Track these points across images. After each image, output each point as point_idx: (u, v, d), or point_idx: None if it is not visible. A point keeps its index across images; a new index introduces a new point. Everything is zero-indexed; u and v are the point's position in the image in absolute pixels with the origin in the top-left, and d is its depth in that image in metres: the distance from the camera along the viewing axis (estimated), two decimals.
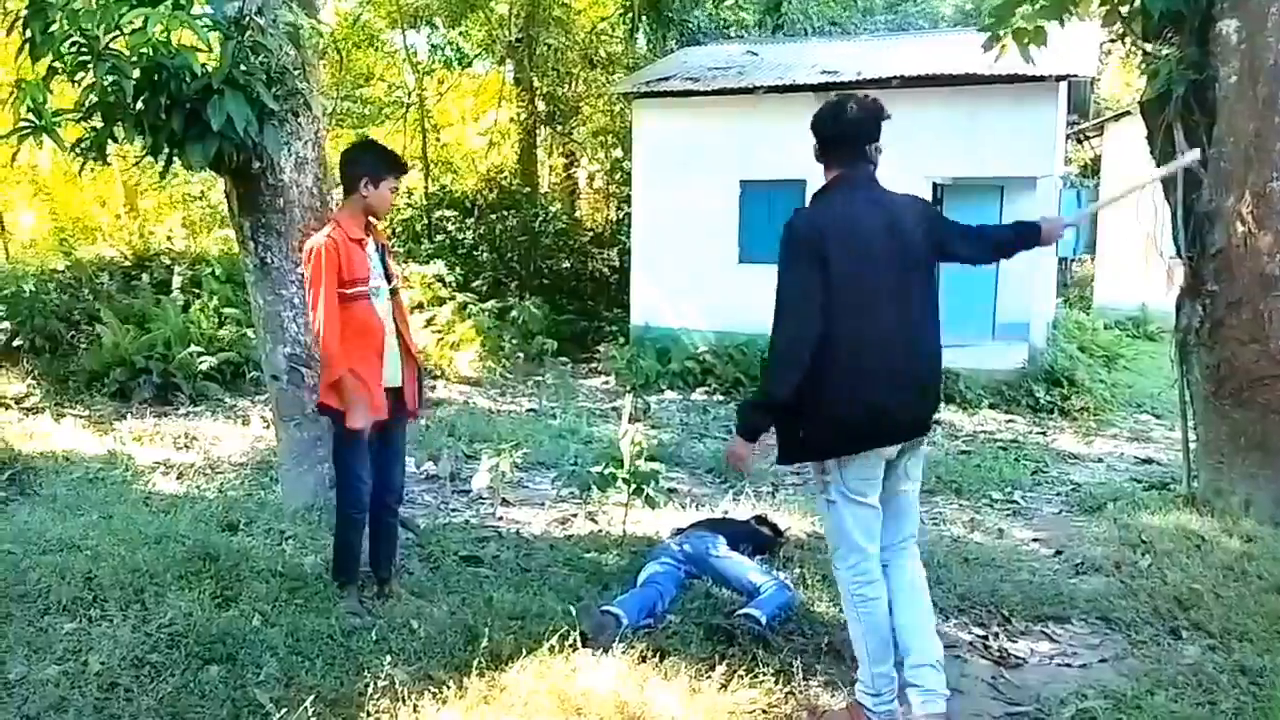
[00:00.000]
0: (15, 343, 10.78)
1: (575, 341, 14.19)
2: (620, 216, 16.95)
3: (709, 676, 3.62)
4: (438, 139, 20.02)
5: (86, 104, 4.79)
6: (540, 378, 11.90)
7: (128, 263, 12.99)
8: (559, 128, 19.46)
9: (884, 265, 3.33)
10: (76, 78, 4.66)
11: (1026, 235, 3.68)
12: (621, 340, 13.31)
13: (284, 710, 3.26)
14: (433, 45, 20.24)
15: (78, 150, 5.01)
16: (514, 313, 13.98)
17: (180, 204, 16.82)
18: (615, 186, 18.18)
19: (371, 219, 4.30)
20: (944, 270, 13.41)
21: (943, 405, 10.35)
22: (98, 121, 4.83)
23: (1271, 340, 5.56)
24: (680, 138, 12.81)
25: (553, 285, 16.36)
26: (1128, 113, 15.28)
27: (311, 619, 3.94)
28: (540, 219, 16.89)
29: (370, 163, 4.23)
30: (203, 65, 4.66)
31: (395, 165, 4.33)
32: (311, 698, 3.32)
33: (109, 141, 4.91)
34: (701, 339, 12.30)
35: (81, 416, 8.87)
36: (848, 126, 3.43)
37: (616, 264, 16.42)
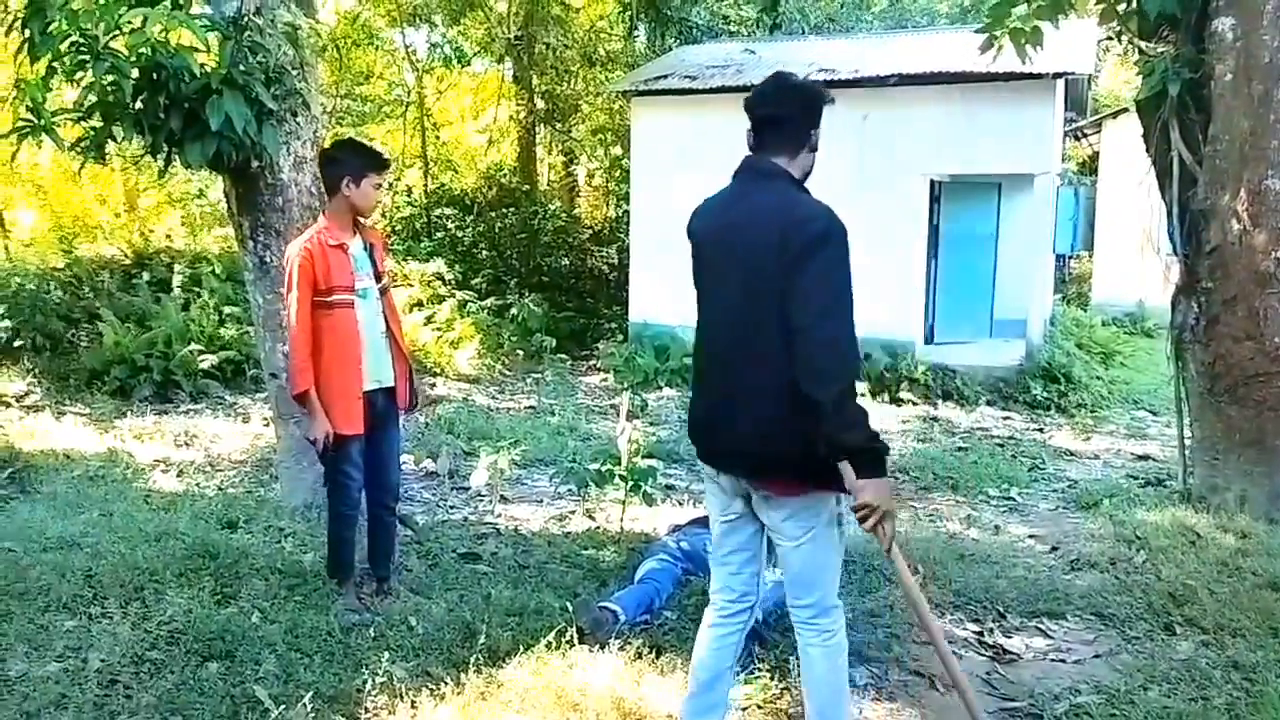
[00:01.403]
0: (16, 341, 10.77)
1: (574, 339, 14.21)
2: (619, 214, 16.96)
3: None
4: (437, 137, 20.01)
5: (85, 104, 4.81)
6: (539, 375, 11.91)
7: (128, 261, 12.99)
8: (558, 126, 19.46)
9: (722, 278, 2.92)
10: (76, 77, 4.68)
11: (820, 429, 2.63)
12: (620, 338, 13.33)
13: (283, 707, 3.29)
14: (432, 44, 20.23)
15: (77, 150, 5.04)
16: (513, 310, 14.00)
17: (180, 203, 16.78)
18: (614, 184, 18.17)
19: (360, 218, 4.29)
20: (941, 265, 13.49)
21: (939, 404, 10.39)
22: (97, 121, 4.85)
23: (1266, 337, 5.59)
24: (678, 136, 12.81)
25: (552, 283, 16.37)
26: (1125, 110, 15.30)
27: (310, 616, 3.97)
28: (539, 217, 16.89)
29: (350, 161, 4.18)
30: (201, 65, 4.68)
31: (376, 161, 4.25)
32: (310, 694, 3.35)
33: (108, 141, 4.93)
34: None
35: (82, 415, 8.89)
36: (746, 106, 2.97)
37: (615, 262, 16.42)
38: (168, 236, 14.55)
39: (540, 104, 18.99)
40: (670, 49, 16.38)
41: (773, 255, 2.63)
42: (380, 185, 4.28)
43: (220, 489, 6.25)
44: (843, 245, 2.63)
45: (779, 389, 2.63)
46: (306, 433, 4.11)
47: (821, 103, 2.91)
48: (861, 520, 2.63)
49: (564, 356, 13.01)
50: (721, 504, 2.99)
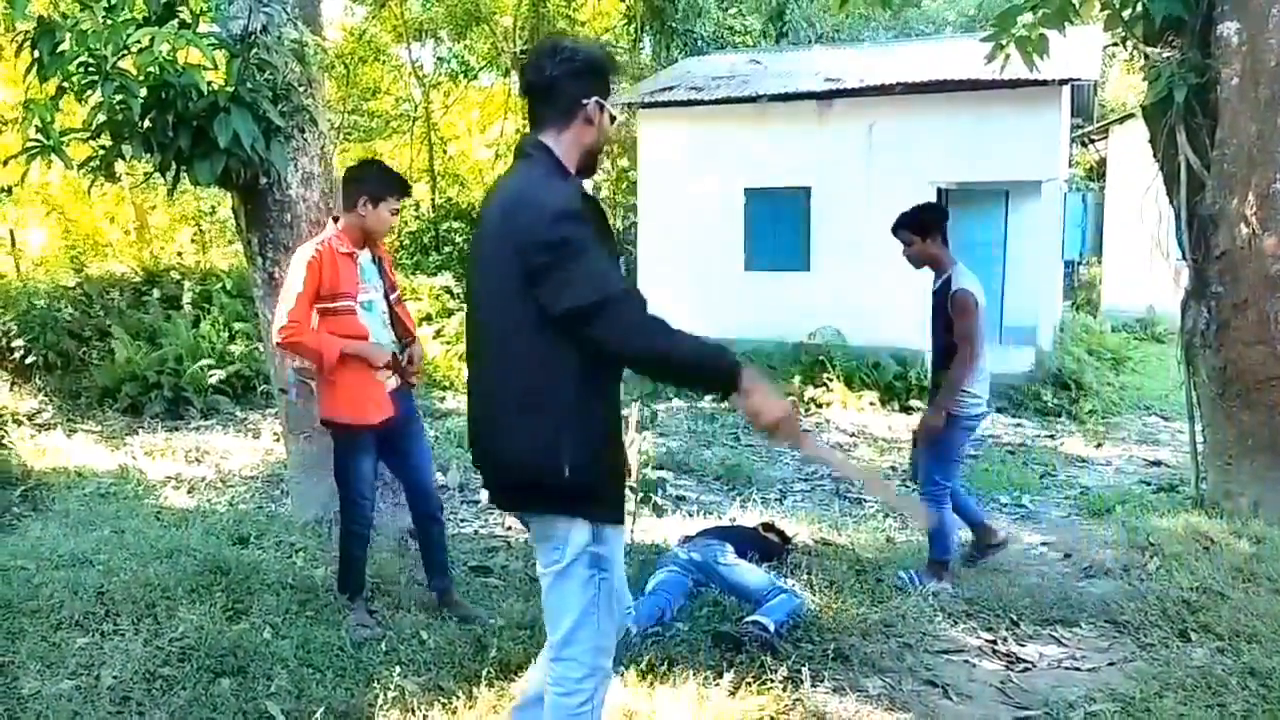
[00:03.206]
0: (28, 359, 10.84)
1: None
2: (627, 226, 17.00)
3: (717, 684, 3.64)
4: (444, 151, 20.11)
5: (94, 123, 4.84)
6: None
7: (138, 279, 13.06)
8: None
9: (474, 272, 2.64)
10: (84, 97, 4.71)
11: None
12: None
13: None
14: (438, 58, 20.37)
15: (86, 169, 5.07)
16: None
17: (190, 220, 16.91)
18: (622, 196, 18.23)
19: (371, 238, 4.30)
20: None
21: None
22: (106, 140, 4.88)
23: (1277, 341, 5.56)
24: (685, 147, 12.85)
25: None
26: (1132, 115, 15.26)
27: (322, 631, 3.97)
28: None
29: (370, 182, 4.18)
30: (209, 83, 4.70)
31: (397, 186, 4.25)
32: (322, 709, 3.34)
33: (117, 159, 4.96)
34: None
35: (93, 432, 8.93)
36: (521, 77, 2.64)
37: (623, 273, 16.44)
38: (178, 254, 14.64)
39: None
40: (676, 61, 16.44)
41: (508, 248, 2.38)
42: (397, 211, 4.28)
43: (231, 505, 6.27)
44: (584, 223, 2.35)
45: (521, 394, 2.39)
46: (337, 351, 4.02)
47: (599, 68, 2.53)
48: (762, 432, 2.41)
49: None
50: (536, 545, 2.62)
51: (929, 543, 5.02)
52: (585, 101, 2.48)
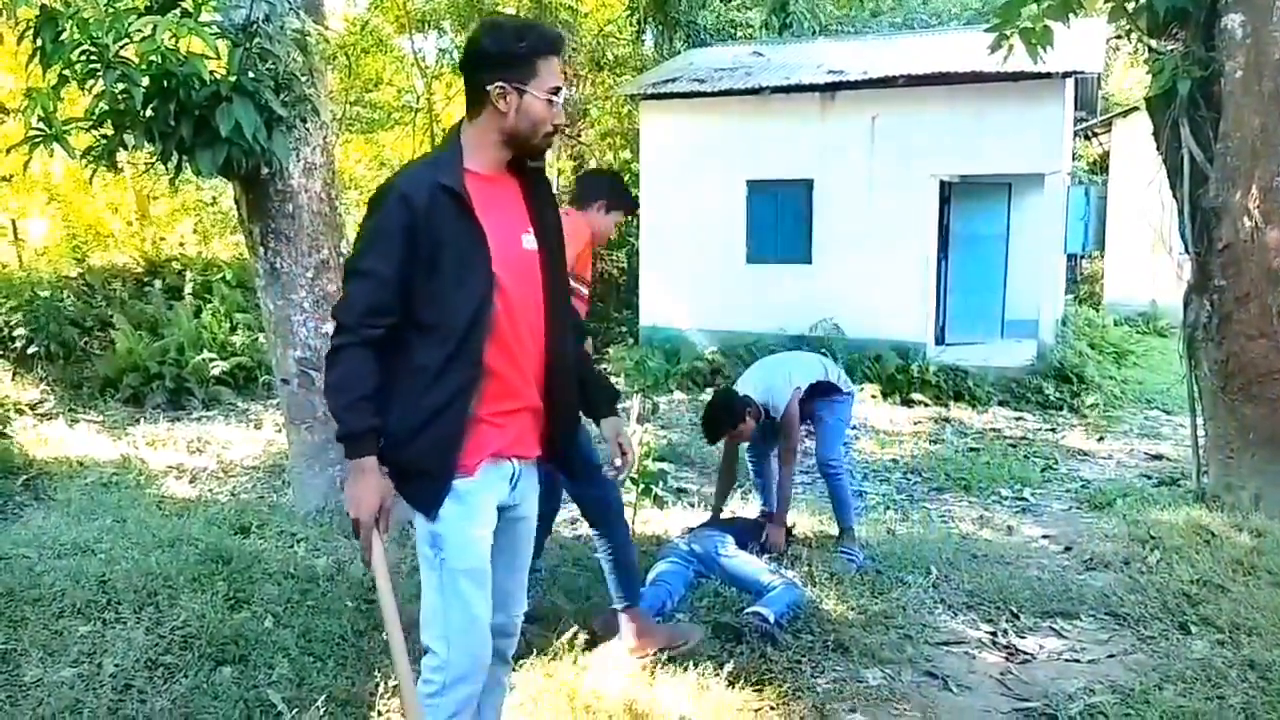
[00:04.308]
0: (30, 350, 10.85)
1: None
2: (629, 218, 16.98)
3: (718, 675, 3.65)
4: None
5: (96, 112, 4.84)
6: None
7: (140, 269, 13.08)
8: (567, 130, 19.50)
9: None
10: (86, 86, 4.71)
11: None
12: (630, 341, 13.34)
13: (296, 710, 3.30)
14: (441, 49, 20.32)
15: (88, 158, 5.07)
16: None
17: (191, 210, 16.91)
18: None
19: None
20: (952, 266, 13.49)
21: (951, 405, 10.36)
22: (108, 129, 4.87)
23: (1279, 334, 5.56)
24: (687, 139, 12.83)
25: None
26: (1135, 108, 15.25)
27: (323, 620, 3.97)
28: None
29: (613, 191, 4.49)
30: (211, 72, 4.69)
31: (631, 203, 4.66)
32: (323, 698, 3.36)
33: (119, 149, 4.95)
34: (710, 339, 12.31)
35: (95, 422, 8.93)
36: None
37: (625, 265, 16.44)
38: (180, 244, 14.65)
39: None
40: (679, 52, 16.40)
41: None
42: (618, 224, 4.57)
43: (233, 495, 6.27)
44: (372, 213, 2.41)
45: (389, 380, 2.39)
46: None
47: (502, 51, 2.40)
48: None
49: None
50: None
51: (835, 512, 5.35)
52: (489, 87, 2.39)
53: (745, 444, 5.58)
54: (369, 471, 2.34)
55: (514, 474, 2.55)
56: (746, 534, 5.06)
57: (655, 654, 3.78)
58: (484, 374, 2.40)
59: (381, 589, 2.39)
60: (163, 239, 14.93)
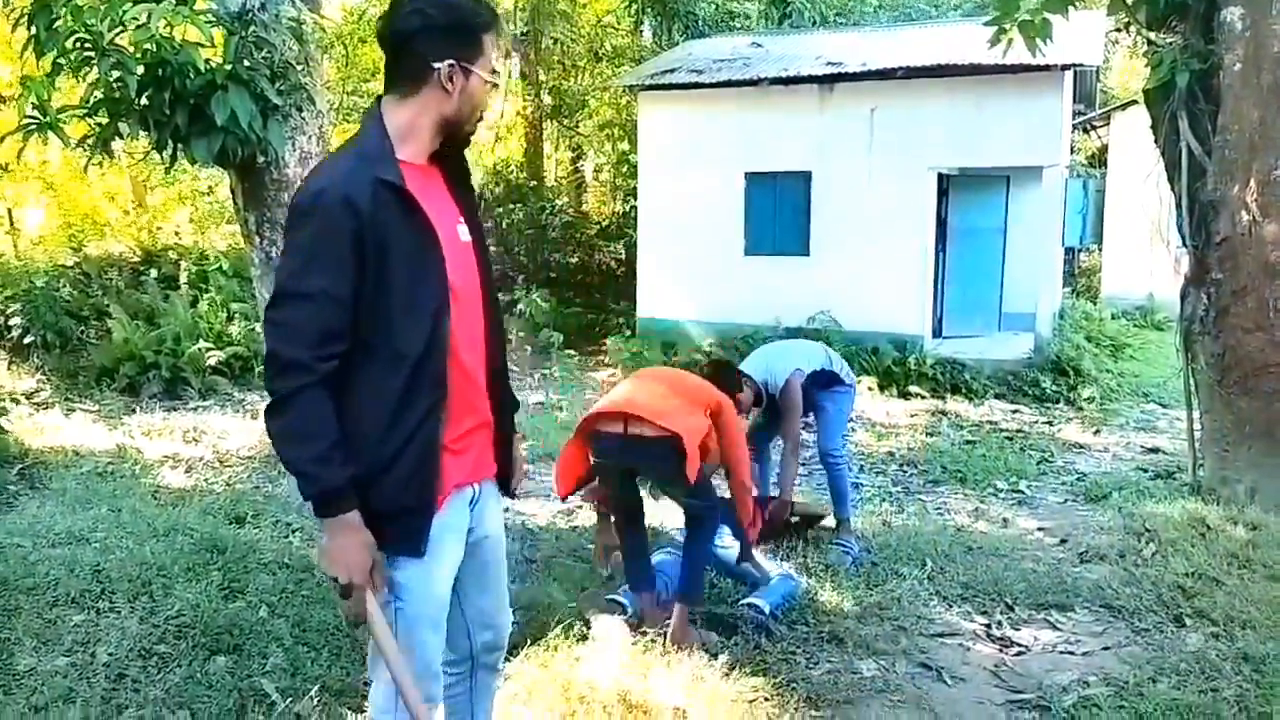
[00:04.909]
0: (26, 339, 10.84)
1: (582, 334, 14.21)
2: (627, 210, 16.94)
3: (712, 665, 3.65)
4: None
5: (91, 100, 4.82)
6: (547, 371, 11.91)
7: (136, 258, 13.05)
8: (565, 121, 19.46)
9: None
10: (81, 74, 4.69)
11: None
12: (628, 332, 13.32)
13: (289, 700, 3.30)
14: None
15: (83, 147, 5.05)
16: (521, 306, 14.00)
17: (188, 200, 16.86)
18: (622, 180, 18.16)
19: None
20: (949, 258, 13.47)
21: (947, 398, 10.36)
22: (102, 118, 4.86)
23: (1276, 328, 5.56)
24: (685, 130, 12.80)
25: (559, 278, 16.38)
26: (1134, 102, 15.22)
27: (317, 610, 3.97)
28: (546, 213, 16.90)
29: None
30: (206, 61, 4.68)
31: None
32: (317, 687, 3.36)
33: (114, 138, 4.94)
34: (708, 330, 12.30)
35: (91, 411, 8.92)
36: None
37: (623, 257, 16.42)
38: (176, 233, 14.61)
39: (547, 99, 18.98)
40: (677, 43, 16.36)
41: None
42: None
43: (228, 484, 6.27)
44: (306, 221, 2.04)
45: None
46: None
47: (463, 23, 2.13)
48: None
49: (572, 352, 13.00)
50: None
51: (833, 503, 5.35)
52: (437, 65, 2.09)
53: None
54: (353, 528, 2.03)
55: (474, 497, 2.33)
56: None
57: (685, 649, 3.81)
58: (448, 396, 2.14)
59: (387, 649, 2.11)
60: (159, 228, 14.90)
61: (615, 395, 4.06)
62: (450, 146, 2.26)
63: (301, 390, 1.99)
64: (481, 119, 2.25)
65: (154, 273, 12.35)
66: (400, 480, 2.10)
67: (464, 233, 2.26)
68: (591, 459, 4.03)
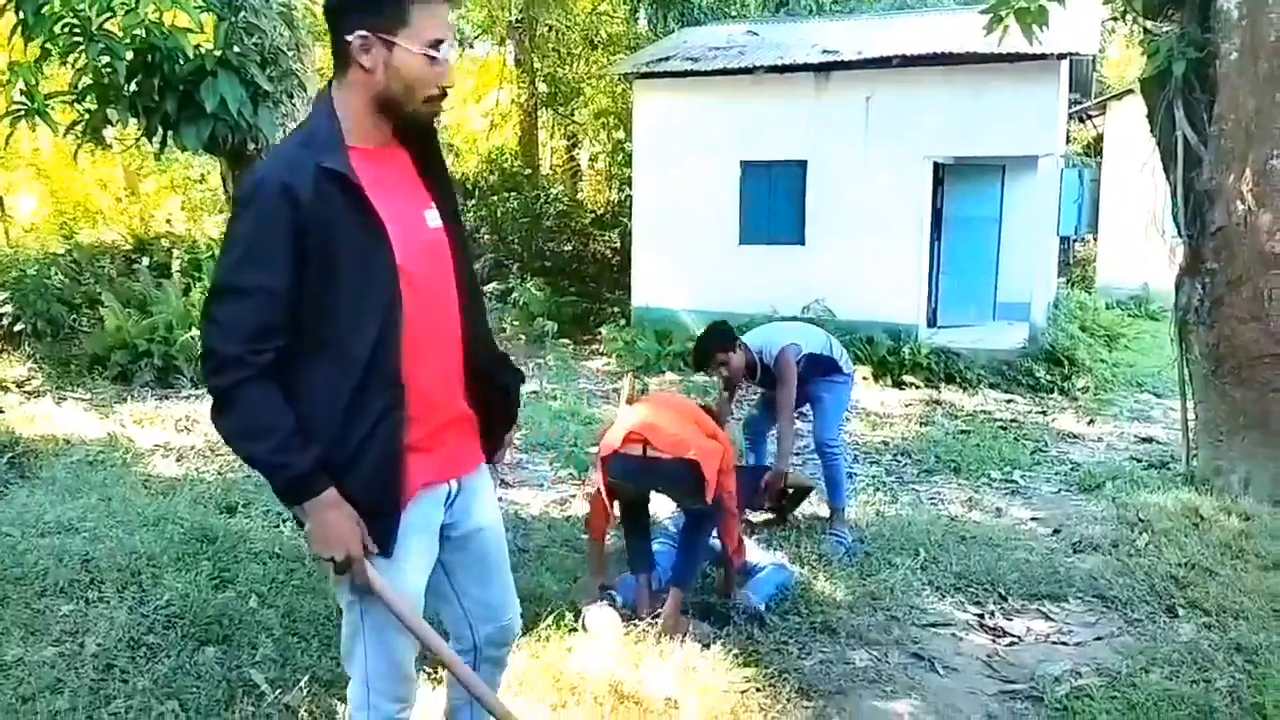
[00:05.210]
0: (17, 327, 10.80)
1: (576, 323, 14.17)
2: (622, 198, 16.90)
3: (704, 656, 3.64)
4: (438, 121, 19.98)
5: (80, 86, 4.79)
6: (541, 359, 11.89)
7: (128, 246, 13.00)
8: (560, 109, 19.39)
9: None
10: (69, 59, 4.66)
11: None
12: (623, 322, 13.29)
13: (279, 690, 3.28)
14: None
15: (73, 133, 5.02)
16: (515, 295, 13.96)
17: (180, 188, 16.80)
18: (617, 168, 18.10)
19: None
20: (944, 248, 13.47)
21: (942, 387, 10.36)
22: (91, 104, 4.83)
23: (1271, 319, 5.55)
24: (680, 118, 12.74)
25: (554, 267, 16.34)
26: (1130, 91, 15.19)
27: (308, 600, 3.95)
28: (541, 201, 16.85)
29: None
30: (196, 47, 4.65)
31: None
32: (306, 678, 3.34)
33: (103, 124, 4.91)
34: (703, 319, 12.19)
35: (83, 400, 8.88)
36: None
37: (618, 245, 16.38)
38: (168, 221, 14.56)
39: (542, 87, 18.91)
40: (672, 31, 16.29)
41: None
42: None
43: (219, 473, 6.24)
44: (244, 212, 1.98)
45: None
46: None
47: None
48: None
49: (566, 341, 12.97)
50: None
51: (828, 492, 5.35)
52: (349, 39, 1.98)
53: (741, 426, 5.63)
54: (333, 504, 1.98)
55: (450, 494, 2.24)
56: (743, 484, 5.06)
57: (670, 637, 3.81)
58: (405, 391, 2.05)
59: (400, 612, 2.07)
60: (151, 216, 14.84)
61: (630, 420, 4.10)
62: (414, 129, 2.15)
63: (240, 385, 1.92)
64: (436, 97, 2.05)
65: (146, 261, 12.30)
66: (361, 482, 2.02)
67: (433, 219, 2.15)
68: (609, 479, 4.07)
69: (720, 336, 5.13)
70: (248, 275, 1.92)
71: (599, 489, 4.12)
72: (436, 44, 1.98)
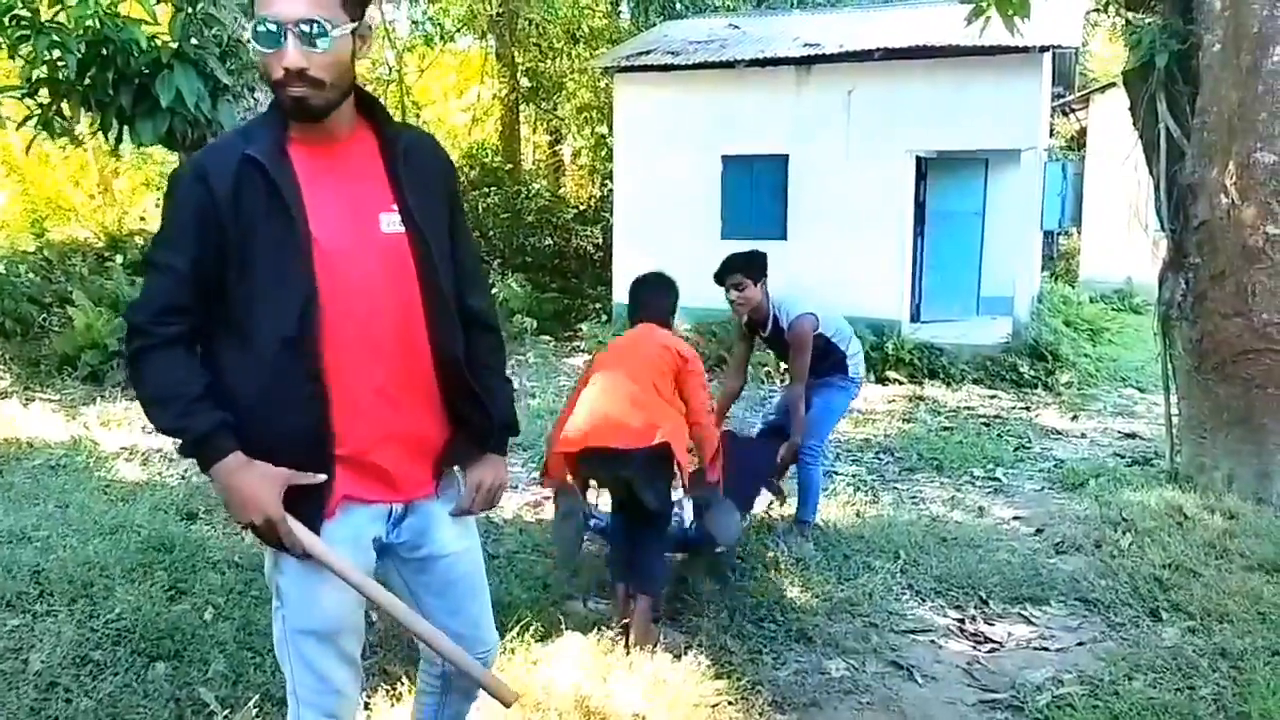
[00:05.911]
0: None
1: (557, 320, 14.05)
2: (604, 193, 16.78)
3: (675, 666, 3.52)
4: (419, 116, 19.77)
5: (31, 79, 4.64)
6: (521, 357, 11.76)
7: (100, 244, 12.80)
8: (542, 104, 19.24)
9: None
10: (18, 52, 4.51)
11: None
12: (604, 318, 13.17)
13: (229, 710, 3.14)
14: (413, 21, 19.96)
15: (29, 127, 4.87)
16: (495, 291, 13.84)
17: (155, 185, 16.57)
18: (600, 163, 17.97)
19: None
20: (927, 242, 13.41)
21: (925, 383, 10.27)
22: (43, 99, 4.68)
23: (1254, 313, 5.47)
24: (662, 112, 12.63)
25: (535, 263, 16.21)
26: (1113, 85, 15.14)
27: (265, 612, 3.79)
28: (523, 196, 16.72)
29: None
30: (151, 38, 4.51)
31: None
32: (258, 696, 3.20)
33: (57, 119, 4.76)
34: (685, 315, 12.12)
35: (51, 401, 8.71)
36: None
37: (600, 241, 16.26)
38: (141, 219, 14.33)
39: (524, 82, 18.76)
40: (654, 25, 16.16)
41: None
42: None
43: (183, 478, 6.08)
44: (168, 195, 2.00)
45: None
46: None
47: None
48: None
49: (547, 338, 12.86)
50: None
51: (798, 502, 5.22)
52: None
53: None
54: (242, 465, 1.90)
55: (391, 514, 2.11)
56: (765, 450, 5.01)
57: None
58: (328, 399, 1.94)
59: (341, 569, 1.96)
60: (125, 213, 14.63)
61: (590, 410, 3.85)
62: (372, 124, 2.06)
63: (144, 352, 1.92)
64: (282, 83, 1.86)
65: (119, 259, 12.09)
66: (282, 461, 1.94)
67: (390, 222, 2.01)
68: (581, 473, 3.95)
69: (750, 262, 4.90)
70: (163, 253, 1.95)
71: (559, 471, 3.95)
72: (262, 23, 1.82)
